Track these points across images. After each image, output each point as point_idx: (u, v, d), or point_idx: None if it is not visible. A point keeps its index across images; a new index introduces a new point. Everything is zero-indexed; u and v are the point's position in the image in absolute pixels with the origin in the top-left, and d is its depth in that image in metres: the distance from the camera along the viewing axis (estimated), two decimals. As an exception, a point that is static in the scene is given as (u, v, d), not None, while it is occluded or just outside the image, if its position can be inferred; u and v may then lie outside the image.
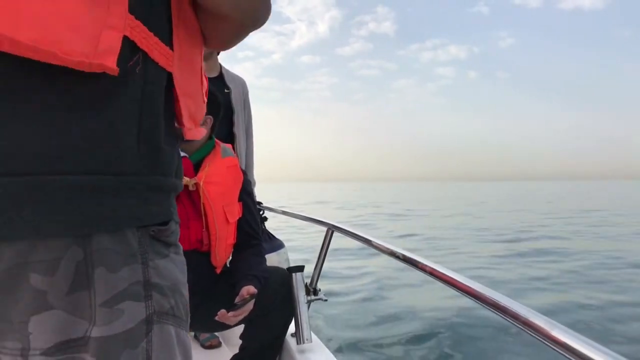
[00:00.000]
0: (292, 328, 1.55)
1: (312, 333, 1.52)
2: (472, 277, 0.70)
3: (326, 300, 1.64)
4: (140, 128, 0.42)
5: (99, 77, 0.39)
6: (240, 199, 1.46)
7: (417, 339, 3.58)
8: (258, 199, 2.69)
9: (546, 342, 0.49)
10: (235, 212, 1.42)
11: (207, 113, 1.37)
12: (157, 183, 0.44)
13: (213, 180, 1.36)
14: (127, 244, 0.42)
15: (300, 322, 1.49)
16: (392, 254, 0.99)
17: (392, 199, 33.88)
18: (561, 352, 0.47)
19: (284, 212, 2.21)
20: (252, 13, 0.52)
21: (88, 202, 0.38)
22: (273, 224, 2.27)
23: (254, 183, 2.62)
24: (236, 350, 1.49)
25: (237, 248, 1.50)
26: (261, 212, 2.39)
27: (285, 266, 2.19)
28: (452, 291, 0.73)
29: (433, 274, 0.80)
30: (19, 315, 0.37)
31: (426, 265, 0.83)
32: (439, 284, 0.77)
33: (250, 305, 1.31)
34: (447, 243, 9.43)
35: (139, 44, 0.42)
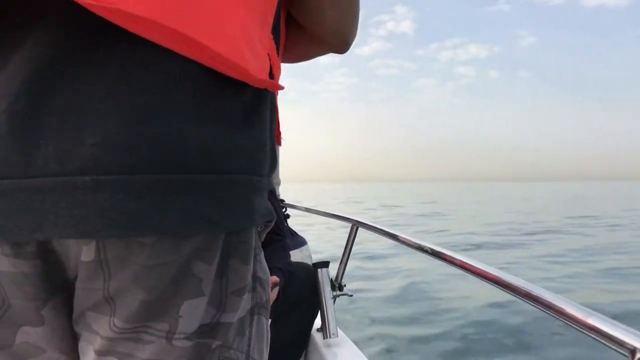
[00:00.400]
0: (318, 323, 1.58)
1: (338, 328, 1.55)
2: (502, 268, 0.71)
3: (351, 295, 1.66)
4: (270, 134, 0.46)
5: (253, 89, 0.43)
6: None
7: (449, 333, 3.57)
8: (281, 197, 2.72)
9: (582, 330, 0.50)
10: None
11: None
12: (272, 184, 0.49)
13: None
14: (253, 238, 0.45)
15: (327, 317, 1.52)
16: (420, 248, 1.01)
17: (417, 200, 33.59)
18: (598, 338, 0.48)
19: (307, 210, 2.24)
20: (348, 39, 0.57)
21: (249, 200, 0.42)
22: (295, 225, 2.30)
23: (279, 182, 2.65)
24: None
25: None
26: (284, 210, 2.43)
27: (308, 262, 2.22)
28: (482, 283, 0.74)
29: (463, 266, 0.81)
30: (174, 298, 0.39)
31: (455, 258, 0.84)
32: (469, 277, 0.78)
33: (273, 295, 1.33)
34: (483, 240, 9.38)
35: (271, 61, 0.46)
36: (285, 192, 2.46)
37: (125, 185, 0.35)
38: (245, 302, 0.44)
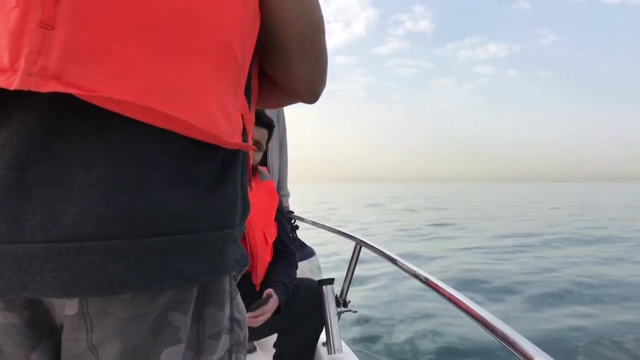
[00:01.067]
0: (322, 338, 1.62)
1: (342, 343, 1.59)
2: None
3: (356, 312, 1.70)
4: (241, 187, 0.50)
5: (224, 149, 0.46)
6: (275, 219, 1.55)
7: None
8: (292, 207, 2.76)
9: None
10: (272, 232, 1.51)
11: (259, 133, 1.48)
12: (244, 231, 0.52)
13: (253, 204, 1.43)
14: (227, 284, 0.50)
15: (332, 333, 1.56)
16: (415, 276, 1.04)
17: (451, 202, 33.21)
18: None
19: (313, 223, 2.28)
20: (316, 92, 0.60)
21: (220, 252, 0.46)
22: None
23: (289, 194, 2.69)
24: (270, 359, 1.58)
25: (271, 262, 1.60)
26: (292, 221, 2.47)
27: (316, 273, 2.26)
28: (466, 318, 0.77)
29: (451, 300, 0.84)
30: (154, 347, 0.43)
31: (446, 291, 0.88)
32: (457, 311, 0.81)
33: (270, 306, 1.36)
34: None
35: (244, 119, 0.50)
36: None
37: (104, 250, 0.39)
38: (223, 343, 0.49)
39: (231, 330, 0.50)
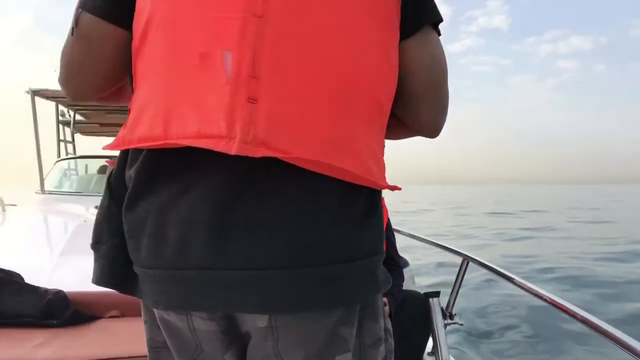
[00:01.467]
0: (428, 347, 1.66)
1: (450, 356, 1.62)
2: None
3: (462, 324, 1.71)
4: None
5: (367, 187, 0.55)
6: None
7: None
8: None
9: None
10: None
11: None
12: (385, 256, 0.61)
13: None
14: (379, 301, 0.60)
15: (439, 345, 1.60)
16: (538, 295, 1.04)
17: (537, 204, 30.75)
18: None
19: (411, 236, 2.30)
20: (439, 130, 0.67)
21: (374, 275, 0.55)
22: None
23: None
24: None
25: None
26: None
27: (410, 283, 2.29)
28: (609, 344, 0.76)
29: (586, 323, 0.83)
30: (328, 355, 0.54)
31: (577, 314, 0.86)
32: (594, 335, 0.80)
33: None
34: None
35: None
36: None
37: (292, 277, 0.49)
38: (381, 353, 0.59)
39: (386, 340, 0.60)
